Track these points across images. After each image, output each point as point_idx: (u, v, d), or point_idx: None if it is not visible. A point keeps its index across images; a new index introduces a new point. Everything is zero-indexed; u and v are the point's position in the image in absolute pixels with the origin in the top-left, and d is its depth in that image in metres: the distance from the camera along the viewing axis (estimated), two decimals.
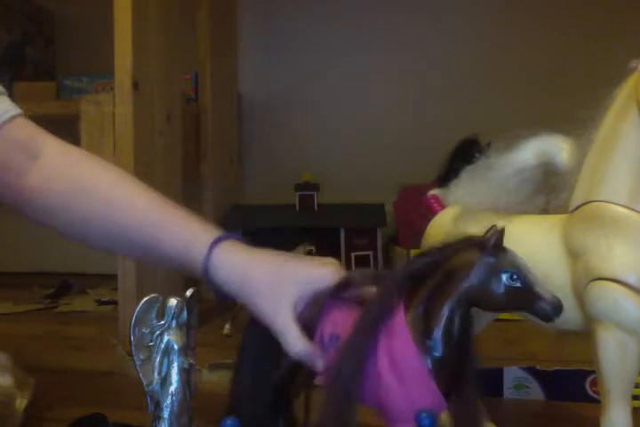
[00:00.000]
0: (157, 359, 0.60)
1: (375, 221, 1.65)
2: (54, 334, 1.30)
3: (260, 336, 0.60)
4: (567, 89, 1.67)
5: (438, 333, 0.51)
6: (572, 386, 0.86)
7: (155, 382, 0.60)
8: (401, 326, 0.52)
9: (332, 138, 1.91)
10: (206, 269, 0.58)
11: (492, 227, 0.52)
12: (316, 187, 1.69)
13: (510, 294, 0.50)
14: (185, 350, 0.61)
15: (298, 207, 1.67)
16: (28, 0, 1.88)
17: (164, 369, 0.60)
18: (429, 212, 0.78)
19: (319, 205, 1.68)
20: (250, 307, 0.58)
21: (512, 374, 0.89)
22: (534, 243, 0.60)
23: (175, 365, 0.60)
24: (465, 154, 0.74)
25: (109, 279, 1.46)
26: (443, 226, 0.72)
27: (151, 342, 0.60)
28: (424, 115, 1.85)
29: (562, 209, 0.60)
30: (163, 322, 0.61)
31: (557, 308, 0.49)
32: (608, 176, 0.56)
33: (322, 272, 0.57)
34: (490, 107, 1.77)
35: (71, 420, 0.74)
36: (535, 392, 0.88)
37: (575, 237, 0.57)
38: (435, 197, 0.78)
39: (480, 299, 0.51)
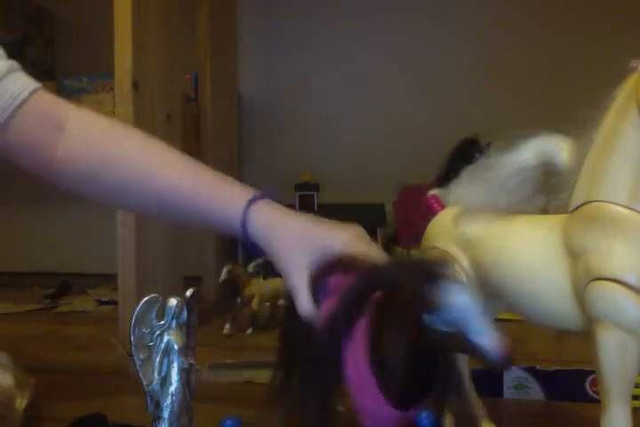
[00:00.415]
0: (157, 359, 0.60)
1: (375, 221, 1.64)
2: (54, 334, 1.30)
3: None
4: (567, 89, 1.67)
5: (389, 356, 0.51)
6: (572, 386, 0.86)
7: (155, 382, 0.60)
8: (360, 337, 0.53)
9: (332, 138, 1.91)
10: (244, 228, 0.62)
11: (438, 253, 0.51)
12: (315, 187, 1.69)
13: (445, 337, 0.46)
14: (185, 350, 0.61)
15: (298, 207, 1.67)
16: (27, 0, 1.88)
17: (164, 369, 0.60)
18: (429, 212, 0.78)
19: (319, 205, 1.68)
20: (275, 263, 0.62)
21: (512, 374, 0.89)
22: (534, 243, 0.60)
23: (175, 365, 0.60)
24: (465, 154, 0.74)
25: (109, 279, 1.46)
26: (443, 226, 0.72)
27: (151, 342, 0.61)
28: (424, 115, 1.85)
29: (562, 209, 0.60)
30: (163, 322, 0.61)
31: (500, 359, 0.45)
32: (608, 176, 0.56)
33: (339, 238, 0.60)
34: (490, 107, 1.77)
35: (71, 420, 0.74)
36: (535, 392, 0.88)
37: (575, 237, 0.57)
38: (435, 197, 0.78)
39: (419, 336, 0.48)
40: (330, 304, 0.57)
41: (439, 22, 1.86)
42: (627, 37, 1.54)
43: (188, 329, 0.63)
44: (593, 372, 0.84)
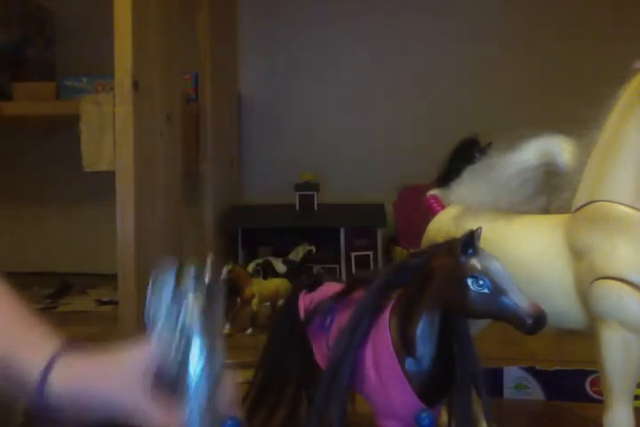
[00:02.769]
0: (175, 332, 0.54)
1: (375, 221, 1.64)
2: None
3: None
4: (568, 89, 1.67)
5: (416, 338, 0.52)
6: (572, 386, 0.86)
7: (173, 356, 0.54)
8: (384, 330, 0.54)
9: (332, 138, 1.91)
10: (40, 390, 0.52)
11: (475, 229, 0.51)
12: (316, 187, 1.69)
13: (479, 301, 0.48)
14: (206, 323, 0.54)
15: (298, 207, 1.67)
16: (27, 0, 1.88)
17: (183, 346, 0.53)
18: (429, 212, 0.78)
19: (319, 205, 1.68)
20: (102, 402, 0.53)
21: (512, 374, 0.88)
22: (537, 242, 0.60)
23: (195, 338, 0.53)
24: (465, 154, 0.74)
25: (109, 279, 1.45)
26: (443, 226, 0.72)
27: (169, 313, 0.54)
28: (424, 115, 1.85)
29: (563, 209, 0.60)
30: (181, 292, 0.54)
31: (537, 320, 0.46)
32: (612, 176, 0.56)
33: (136, 354, 0.55)
34: (490, 107, 1.77)
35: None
36: (535, 392, 0.88)
37: (579, 236, 0.57)
38: (435, 197, 0.78)
39: (453, 305, 0.50)
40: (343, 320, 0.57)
41: (439, 23, 1.86)
42: (629, 38, 1.54)
43: (210, 301, 0.56)
44: (593, 372, 0.84)
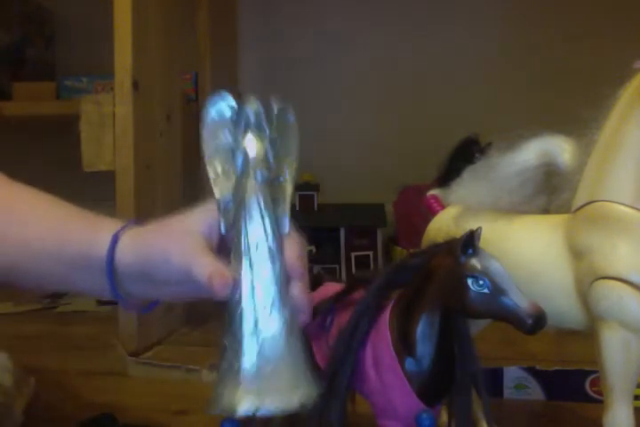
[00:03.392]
0: (236, 179, 0.46)
1: (375, 221, 1.64)
2: (54, 334, 1.30)
3: None
4: (568, 89, 1.67)
5: (416, 338, 0.52)
6: (572, 386, 0.86)
7: (232, 211, 0.46)
8: (384, 330, 0.53)
9: (332, 138, 1.91)
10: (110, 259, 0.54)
11: (475, 229, 0.51)
12: (316, 187, 1.69)
13: (479, 301, 0.48)
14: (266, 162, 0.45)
15: (298, 207, 1.67)
16: (27, 0, 1.88)
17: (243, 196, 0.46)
18: (429, 212, 0.78)
19: (319, 205, 1.68)
20: (166, 268, 0.51)
21: (512, 374, 0.88)
22: (536, 242, 0.60)
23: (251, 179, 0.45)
24: (465, 154, 0.74)
25: None
26: (443, 226, 0.72)
27: (228, 155, 0.47)
28: (424, 115, 1.85)
29: (563, 209, 0.60)
30: (239, 130, 0.46)
31: (537, 320, 0.47)
32: (612, 176, 0.56)
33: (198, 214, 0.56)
34: (490, 107, 1.77)
35: (80, 420, 0.74)
36: (535, 392, 0.88)
37: (579, 236, 0.57)
38: (434, 197, 0.78)
39: (453, 305, 0.50)
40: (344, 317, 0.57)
41: (440, 22, 1.86)
42: (629, 37, 1.54)
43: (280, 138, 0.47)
44: (593, 372, 0.84)
